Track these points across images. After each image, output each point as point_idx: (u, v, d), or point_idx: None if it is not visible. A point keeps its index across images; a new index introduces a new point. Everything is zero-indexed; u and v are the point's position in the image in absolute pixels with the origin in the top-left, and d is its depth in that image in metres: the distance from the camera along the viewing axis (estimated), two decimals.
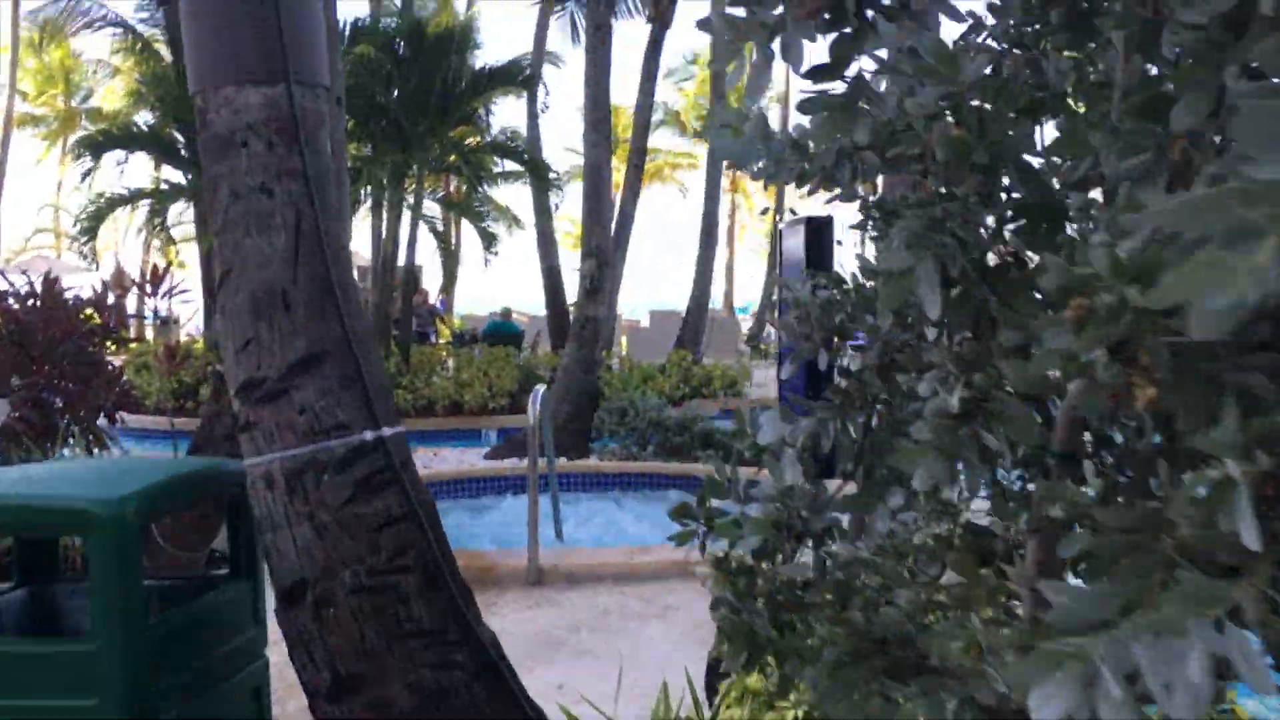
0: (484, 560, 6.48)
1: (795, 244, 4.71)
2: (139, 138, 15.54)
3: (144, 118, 33.51)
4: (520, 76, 15.88)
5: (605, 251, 10.73)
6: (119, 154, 17.68)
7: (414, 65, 15.06)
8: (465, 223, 21.22)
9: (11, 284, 9.00)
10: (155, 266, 11.18)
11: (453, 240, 17.63)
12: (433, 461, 10.63)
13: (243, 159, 2.43)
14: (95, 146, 15.31)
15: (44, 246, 41.99)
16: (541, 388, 6.59)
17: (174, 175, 20.50)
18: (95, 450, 8.80)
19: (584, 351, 10.84)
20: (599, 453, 10.67)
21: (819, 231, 4.59)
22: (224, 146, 2.49)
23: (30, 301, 8.92)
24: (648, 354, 18.87)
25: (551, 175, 17.52)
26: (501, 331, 20.05)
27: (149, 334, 22.04)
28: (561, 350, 17.95)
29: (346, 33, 15.97)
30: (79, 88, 42.52)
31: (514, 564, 6.37)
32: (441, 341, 21.82)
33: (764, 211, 30.36)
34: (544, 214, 19.51)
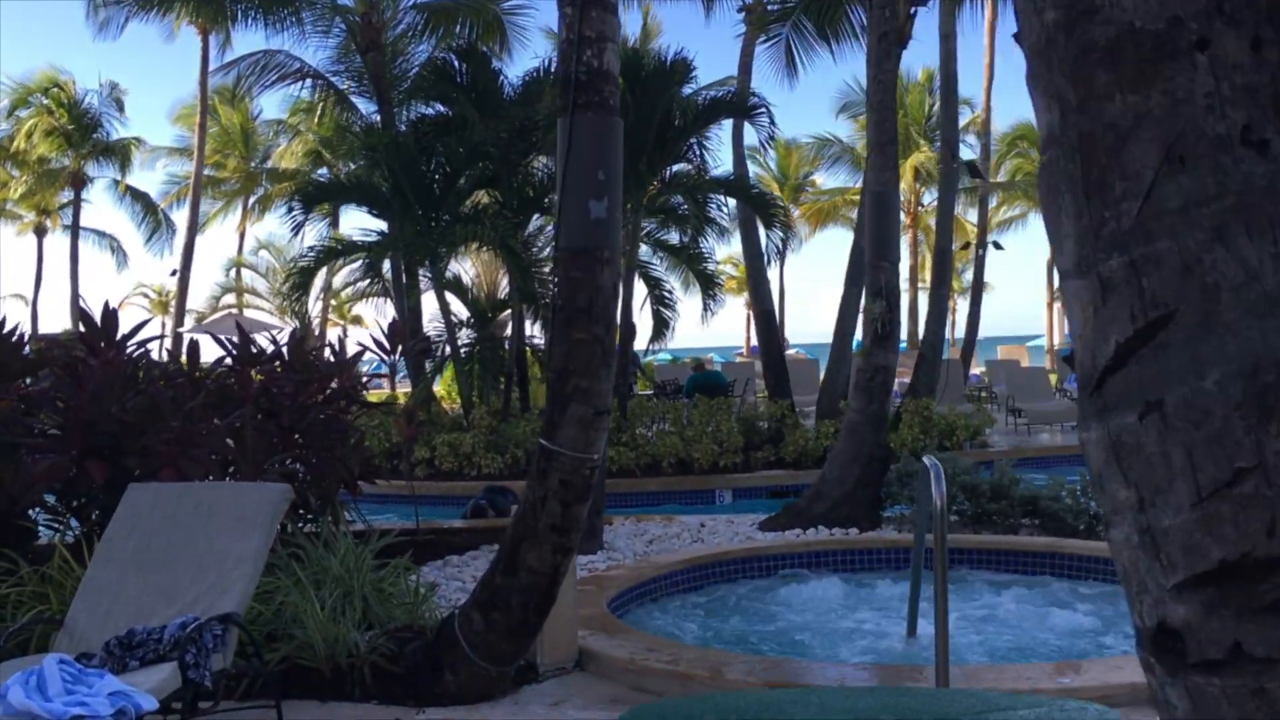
0: (876, 683, 5.12)
1: None
2: (351, 189, 14.87)
3: (322, 174, 33.68)
4: (748, 106, 14.72)
5: (895, 291, 9.34)
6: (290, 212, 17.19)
7: (630, 101, 14.01)
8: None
9: (258, 345, 8.08)
10: (394, 322, 10.29)
11: (667, 286, 16.50)
12: (701, 534, 9.35)
13: (1198, 73, 1.10)
14: (308, 197, 14.70)
15: (230, 306, 42.74)
16: (935, 461, 5.21)
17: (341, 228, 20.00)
18: (337, 525, 7.67)
19: (874, 407, 9.40)
20: (896, 523, 9.23)
21: None
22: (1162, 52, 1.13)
23: (277, 365, 8.01)
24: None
25: (774, 211, 16.21)
26: (709, 382, 18.77)
27: None
28: (781, 400, 16.60)
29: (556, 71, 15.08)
30: (257, 149, 43.39)
31: None
32: (640, 392, 20.71)
33: (964, 246, 28.54)
34: (756, 255, 18.27)
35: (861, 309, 9.63)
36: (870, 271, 9.45)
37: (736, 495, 13.81)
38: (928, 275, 47.89)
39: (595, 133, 4.93)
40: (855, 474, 9.21)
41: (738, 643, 6.60)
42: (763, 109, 14.83)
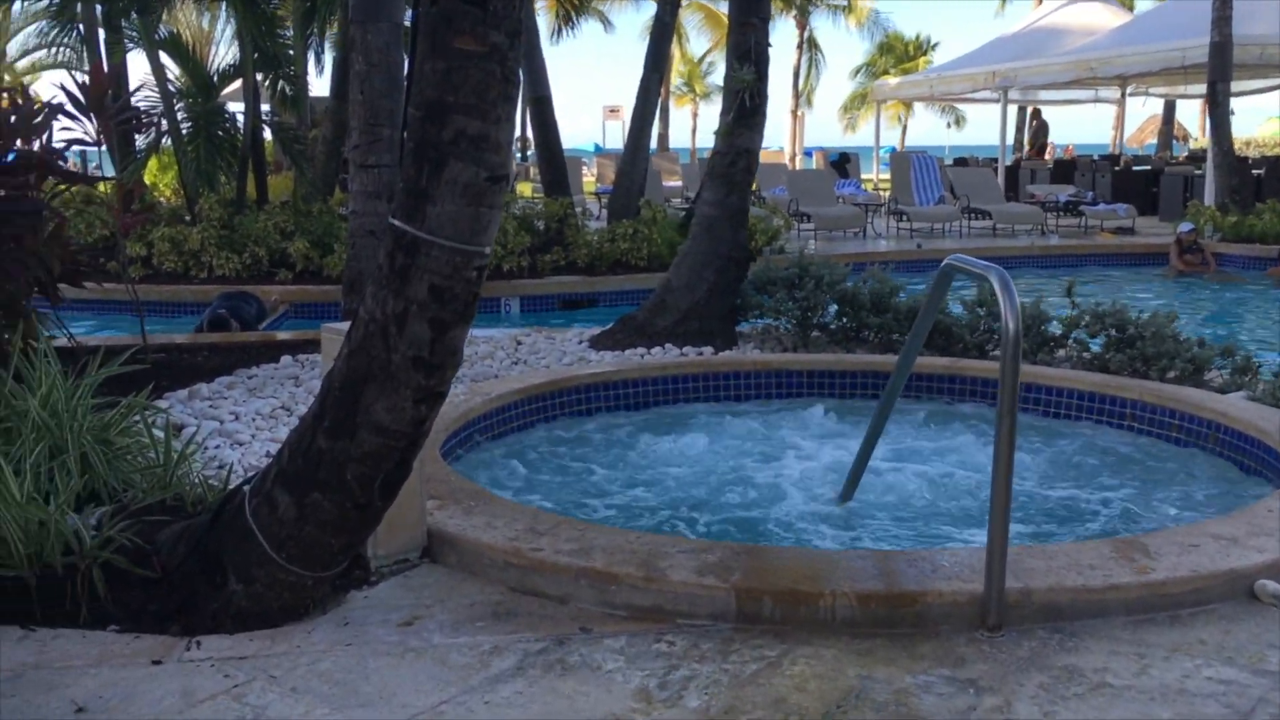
0: (891, 580, 3.56)
1: None
2: None
3: None
4: None
5: (765, 56, 7.55)
6: None
7: None
8: None
9: None
10: (100, 73, 7.72)
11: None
12: (520, 353, 7.56)
13: None
14: None
15: None
16: (1000, 270, 3.57)
17: None
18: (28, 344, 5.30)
19: (734, 198, 7.70)
20: (758, 341, 7.73)
21: None
22: None
23: None
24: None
25: None
26: None
27: None
28: (561, 198, 14.74)
29: None
30: None
31: (947, 589, 3.47)
32: None
33: None
34: (531, 30, 15.98)
35: (725, 79, 7.82)
36: (736, 32, 7.61)
37: (524, 305, 12.07)
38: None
39: None
40: (709, 280, 7.57)
41: (617, 508, 4.97)
42: None
